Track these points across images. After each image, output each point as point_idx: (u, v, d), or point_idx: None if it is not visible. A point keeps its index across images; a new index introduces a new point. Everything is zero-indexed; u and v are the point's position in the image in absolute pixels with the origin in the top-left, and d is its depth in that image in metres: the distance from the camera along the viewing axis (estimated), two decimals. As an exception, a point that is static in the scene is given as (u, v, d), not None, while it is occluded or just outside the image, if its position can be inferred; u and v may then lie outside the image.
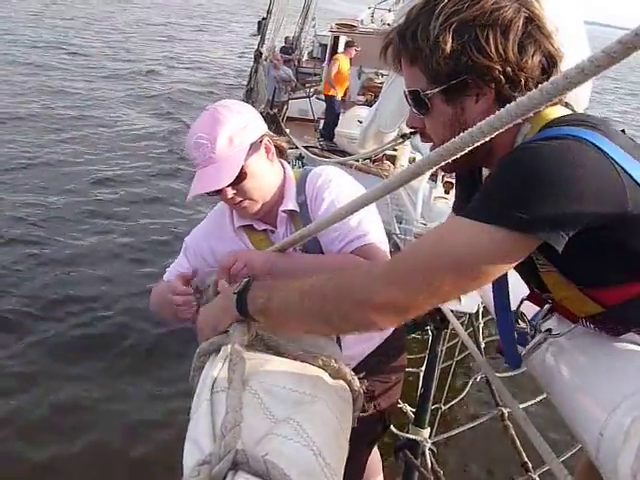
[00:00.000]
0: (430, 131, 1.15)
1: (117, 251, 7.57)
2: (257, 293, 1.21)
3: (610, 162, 0.94)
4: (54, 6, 36.43)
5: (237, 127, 1.56)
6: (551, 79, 0.84)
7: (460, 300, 3.10)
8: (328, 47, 12.56)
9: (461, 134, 0.94)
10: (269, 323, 1.21)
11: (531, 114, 0.86)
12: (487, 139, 0.91)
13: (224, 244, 1.75)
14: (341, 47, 11.98)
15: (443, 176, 3.88)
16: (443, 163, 1.01)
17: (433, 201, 3.71)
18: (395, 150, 6.05)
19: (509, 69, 1.02)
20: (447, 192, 3.97)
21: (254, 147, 1.60)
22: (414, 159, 6.35)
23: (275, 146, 1.71)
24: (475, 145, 0.93)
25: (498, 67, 1.01)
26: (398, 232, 4.01)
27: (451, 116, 1.08)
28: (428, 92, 1.08)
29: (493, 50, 1.01)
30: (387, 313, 1.02)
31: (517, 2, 1.03)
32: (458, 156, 0.95)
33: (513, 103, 0.88)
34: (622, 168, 0.94)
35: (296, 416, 1.00)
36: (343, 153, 7.75)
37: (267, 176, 1.66)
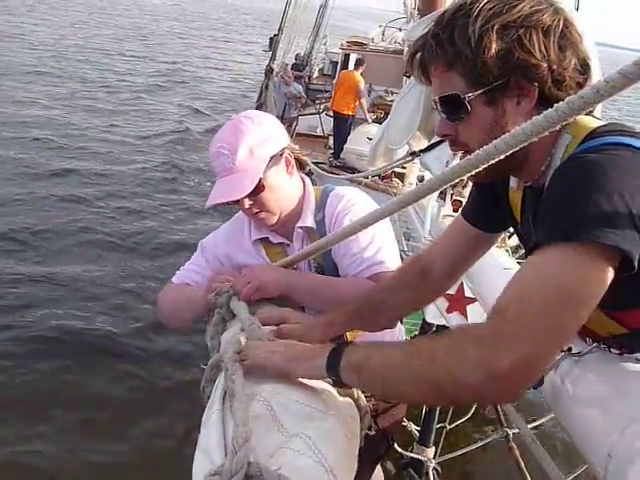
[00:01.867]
0: (466, 137, 1.12)
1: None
2: (355, 347, 1.10)
3: None
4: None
5: (258, 139, 1.57)
6: (567, 99, 0.85)
7: (467, 317, 3.10)
8: (339, 64, 12.65)
9: (493, 142, 0.94)
10: (364, 382, 1.08)
11: (558, 127, 0.87)
12: (516, 149, 0.91)
13: (241, 253, 1.77)
14: (351, 64, 12.08)
15: (452, 194, 3.88)
16: (475, 171, 1.00)
17: (441, 219, 3.70)
18: (404, 168, 6.06)
19: (554, 67, 1.03)
20: (455, 210, 3.97)
21: (274, 159, 1.61)
22: (422, 177, 6.36)
23: (296, 159, 1.71)
24: (503, 155, 0.93)
25: (545, 65, 1.02)
26: (406, 249, 4.01)
27: (492, 119, 1.07)
28: (470, 94, 1.07)
29: (537, 50, 1.02)
30: (513, 374, 0.88)
31: (552, 7, 1.05)
32: (490, 163, 0.95)
33: (529, 122, 0.89)
34: None
35: (309, 432, 0.99)
36: (352, 170, 7.77)
37: (286, 189, 1.67)
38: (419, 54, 1.13)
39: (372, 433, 1.33)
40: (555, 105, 0.86)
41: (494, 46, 1.02)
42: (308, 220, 1.69)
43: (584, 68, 1.07)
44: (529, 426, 1.45)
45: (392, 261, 1.65)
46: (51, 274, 6.94)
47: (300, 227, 1.70)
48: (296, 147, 1.75)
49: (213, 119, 16.14)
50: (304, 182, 1.77)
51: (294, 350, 1.18)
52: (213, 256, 1.80)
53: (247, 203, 1.60)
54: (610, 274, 0.91)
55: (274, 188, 1.62)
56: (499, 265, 2.08)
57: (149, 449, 4.50)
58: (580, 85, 1.05)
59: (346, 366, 1.07)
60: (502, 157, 0.94)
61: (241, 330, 1.36)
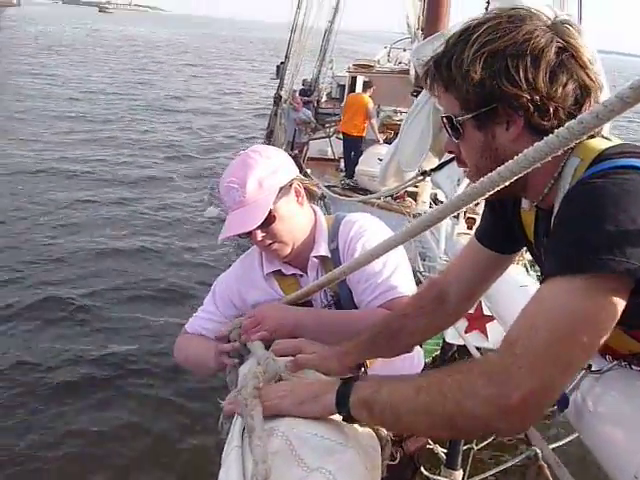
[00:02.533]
0: (464, 156, 1.16)
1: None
2: (363, 383, 1.10)
3: None
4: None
5: (267, 171, 1.60)
6: (567, 124, 0.86)
7: (487, 335, 3.08)
8: (346, 87, 12.75)
9: (498, 169, 0.95)
10: (375, 418, 1.07)
11: (561, 152, 0.88)
12: (514, 179, 0.92)
13: (254, 291, 1.77)
14: (359, 87, 12.17)
15: (465, 212, 3.88)
16: (477, 200, 1.03)
17: (456, 237, 3.70)
18: (416, 187, 6.07)
19: (537, 97, 1.02)
20: (470, 228, 3.96)
21: (284, 190, 1.63)
22: (435, 195, 6.35)
23: (306, 189, 1.72)
24: (508, 182, 0.94)
25: (526, 95, 1.02)
26: (422, 269, 3.99)
27: (482, 142, 1.10)
28: (460, 118, 1.11)
29: (522, 78, 1.02)
30: (523, 408, 0.89)
31: (551, 32, 1.05)
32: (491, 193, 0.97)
33: (530, 149, 0.90)
34: None
35: (328, 465, 0.99)
36: (364, 191, 7.78)
37: (297, 219, 1.68)
38: (427, 74, 1.17)
39: (395, 462, 1.32)
40: (556, 130, 0.87)
41: (478, 74, 1.04)
42: (322, 249, 1.70)
43: (583, 95, 1.05)
44: (552, 446, 1.43)
45: (406, 285, 1.65)
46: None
47: (315, 256, 1.70)
48: (305, 178, 1.77)
49: (225, 148, 16.43)
50: (315, 212, 1.78)
51: (302, 392, 1.18)
52: (225, 299, 1.80)
53: (260, 235, 1.62)
54: (622, 301, 0.92)
55: (285, 218, 1.63)
56: (516, 282, 2.07)
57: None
58: (572, 115, 1.02)
59: (355, 402, 1.08)
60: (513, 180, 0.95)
61: (258, 364, 1.37)
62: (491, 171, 0.97)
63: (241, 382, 1.35)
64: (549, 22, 1.07)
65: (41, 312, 7.02)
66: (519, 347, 0.91)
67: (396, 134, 6.59)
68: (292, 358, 1.36)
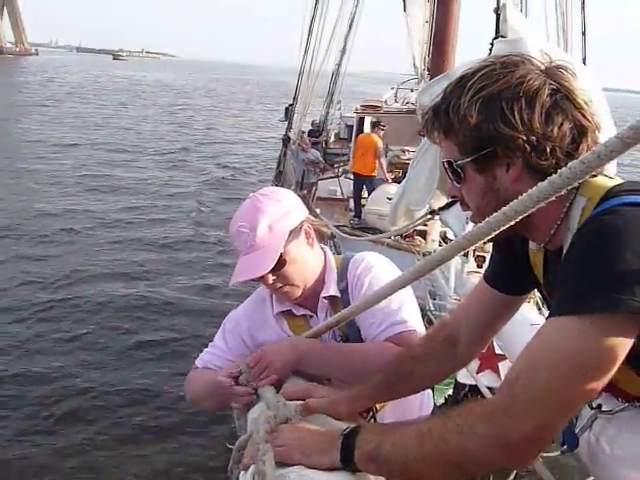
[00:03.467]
0: (467, 199, 1.17)
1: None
2: (366, 436, 1.10)
3: None
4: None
5: (277, 215, 1.60)
6: (570, 164, 0.88)
7: (499, 374, 3.05)
8: (354, 127, 12.91)
9: (494, 214, 0.97)
10: (381, 471, 1.07)
11: (564, 191, 0.89)
12: (519, 218, 0.93)
13: (264, 330, 1.77)
14: (367, 127, 12.31)
15: (474, 250, 3.88)
16: (483, 241, 1.04)
17: (466, 276, 3.70)
18: (425, 225, 6.09)
19: (534, 138, 1.03)
20: (479, 266, 3.96)
21: (294, 233, 1.63)
22: (445, 233, 6.37)
23: (316, 230, 1.73)
24: (513, 222, 0.95)
25: (522, 137, 1.03)
26: (432, 308, 3.98)
27: (483, 185, 1.11)
28: (460, 162, 1.12)
29: (518, 120, 1.03)
30: (524, 448, 0.93)
31: (544, 75, 1.07)
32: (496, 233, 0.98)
33: (535, 189, 0.91)
34: None
35: None
36: (373, 230, 7.81)
37: (308, 261, 1.68)
38: (427, 121, 1.19)
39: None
40: (559, 171, 0.89)
41: (474, 119, 1.06)
42: (331, 289, 1.70)
43: (580, 135, 1.06)
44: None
45: (412, 320, 1.65)
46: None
47: (325, 297, 1.70)
48: (314, 219, 1.78)
49: (235, 190, 16.67)
50: (325, 252, 1.78)
51: (310, 443, 1.17)
52: (235, 336, 1.80)
53: (271, 279, 1.62)
54: (629, 340, 0.92)
55: (296, 261, 1.64)
56: (527, 321, 2.06)
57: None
58: (569, 154, 1.04)
59: (361, 458, 1.08)
60: (518, 220, 0.96)
61: (268, 407, 1.36)
62: (493, 212, 0.99)
63: (251, 426, 1.34)
64: (542, 67, 1.10)
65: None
66: (519, 387, 0.93)
67: (404, 173, 6.66)
68: (302, 402, 1.36)
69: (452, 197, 1.23)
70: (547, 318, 0.99)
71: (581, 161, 0.86)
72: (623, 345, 0.91)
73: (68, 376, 6.57)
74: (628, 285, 0.88)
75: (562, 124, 1.05)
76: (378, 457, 1.06)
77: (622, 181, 1.07)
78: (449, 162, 1.15)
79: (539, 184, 0.91)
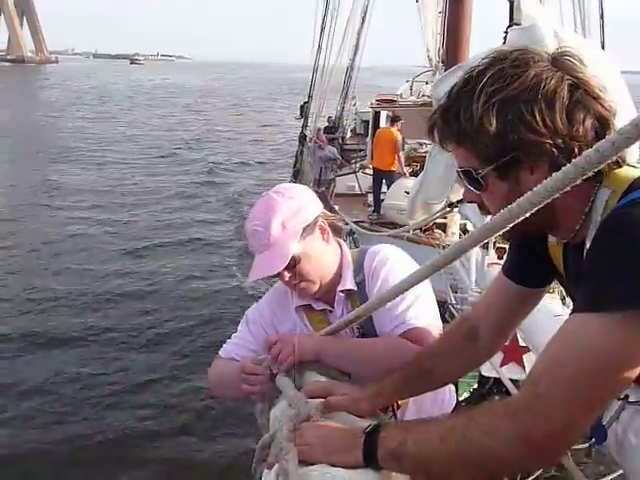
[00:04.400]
0: (489, 205, 1.12)
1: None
2: (388, 434, 1.09)
3: None
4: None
5: (290, 212, 1.60)
6: (584, 152, 0.85)
7: (525, 368, 3.01)
8: (370, 122, 12.87)
9: (509, 206, 0.94)
10: (404, 469, 1.08)
11: (579, 181, 0.85)
12: (539, 207, 0.90)
13: (285, 322, 1.79)
14: (382, 121, 12.26)
15: (495, 242, 3.84)
16: (499, 232, 1.00)
17: (487, 268, 3.66)
18: (445, 218, 6.05)
19: (560, 141, 0.99)
20: (500, 258, 3.92)
21: (308, 229, 1.63)
22: (465, 225, 6.32)
23: (330, 225, 1.72)
24: (534, 210, 0.91)
25: (548, 141, 0.99)
26: (454, 302, 3.95)
27: (507, 191, 1.05)
28: (480, 171, 1.07)
29: (540, 124, 0.99)
30: (548, 446, 0.91)
31: (559, 70, 1.02)
32: (515, 223, 0.94)
33: (549, 179, 0.88)
34: None
35: None
36: (392, 225, 7.77)
37: (324, 257, 1.68)
38: (434, 129, 1.14)
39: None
40: (573, 160, 0.86)
41: (493, 127, 1.00)
42: (348, 283, 1.71)
43: (603, 127, 1.02)
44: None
45: (426, 315, 1.64)
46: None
47: (341, 290, 1.71)
48: (330, 213, 1.77)
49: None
50: (341, 247, 1.78)
51: (333, 442, 1.16)
52: (258, 326, 1.81)
53: (287, 276, 1.63)
54: None
55: (311, 257, 1.64)
56: (550, 312, 2.04)
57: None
58: None
59: (384, 457, 1.08)
60: (529, 214, 0.93)
61: (289, 405, 1.36)
62: (519, 216, 0.95)
63: (273, 425, 1.34)
64: (550, 59, 1.05)
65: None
66: (543, 385, 0.92)
67: (422, 167, 6.62)
68: (323, 400, 1.36)
69: (470, 202, 1.18)
70: (571, 314, 0.97)
71: (596, 149, 0.84)
72: None
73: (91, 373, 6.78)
74: None
75: (584, 120, 1.01)
76: (401, 455, 1.05)
77: None
78: (467, 171, 1.10)
79: (554, 174, 0.88)
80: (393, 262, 1.70)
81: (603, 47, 7.99)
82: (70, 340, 7.62)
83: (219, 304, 8.97)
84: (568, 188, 0.88)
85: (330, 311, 1.75)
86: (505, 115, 1.00)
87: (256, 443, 1.35)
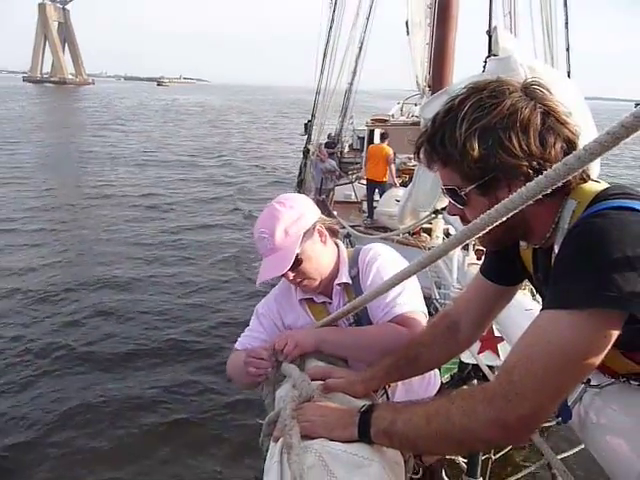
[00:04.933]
0: (470, 218, 1.11)
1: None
2: (380, 414, 1.11)
3: None
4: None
5: (291, 220, 1.62)
6: (554, 166, 0.85)
7: (499, 356, 3.01)
8: (365, 139, 12.87)
9: (487, 211, 0.95)
10: (393, 444, 1.10)
11: (550, 190, 0.86)
12: (519, 209, 0.91)
13: (290, 313, 1.80)
14: (376, 138, 12.27)
15: (474, 244, 3.85)
16: (477, 235, 1.01)
17: (467, 267, 3.67)
18: (430, 223, 6.05)
19: (535, 163, 1.00)
20: (479, 258, 3.93)
21: (308, 234, 1.65)
22: (448, 230, 6.33)
23: (327, 229, 1.75)
24: (509, 215, 0.92)
25: (525, 163, 1.00)
26: (438, 297, 3.96)
27: (488, 206, 1.03)
28: (464, 189, 1.08)
29: (517, 148, 1.00)
30: (520, 428, 0.93)
31: (532, 100, 1.03)
32: (491, 228, 0.95)
33: (523, 188, 0.89)
34: None
35: (357, 478, 0.99)
36: (384, 229, 7.79)
37: (322, 257, 1.70)
38: (420, 152, 1.14)
39: (417, 476, 1.30)
40: (544, 172, 0.87)
41: (476, 151, 1.01)
42: (344, 277, 1.72)
43: (570, 149, 1.02)
44: (561, 456, 1.39)
45: (412, 303, 1.65)
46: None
47: (338, 284, 1.73)
48: (326, 218, 1.78)
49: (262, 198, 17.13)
50: (338, 246, 1.80)
51: (332, 419, 1.18)
52: (267, 319, 1.82)
53: (291, 275, 1.65)
54: (616, 332, 0.91)
55: (311, 258, 1.66)
56: (522, 306, 2.03)
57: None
58: None
59: (376, 433, 1.10)
60: (509, 217, 0.94)
61: (293, 386, 1.37)
62: (497, 228, 0.97)
63: (278, 404, 1.35)
64: (522, 88, 1.05)
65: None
66: (516, 375, 0.93)
67: (411, 178, 6.64)
68: (323, 382, 1.37)
69: (453, 215, 1.18)
70: (541, 309, 0.97)
71: (564, 163, 0.85)
72: (610, 336, 0.90)
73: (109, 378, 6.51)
74: (614, 282, 0.87)
75: (555, 143, 1.02)
76: (391, 433, 1.07)
77: (608, 185, 1.05)
78: (452, 189, 1.11)
79: (527, 184, 0.89)
80: (384, 257, 1.72)
81: (569, 76, 7.99)
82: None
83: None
84: (540, 196, 0.89)
85: (330, 303, 1.76)
86: (486, 141, 1.01)
87: (263, 420, 1.35)
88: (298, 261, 1.63)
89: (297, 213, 1.65)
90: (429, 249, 5.66)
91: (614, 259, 0.88)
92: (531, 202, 0.90)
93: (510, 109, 1.01)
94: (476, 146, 1.01)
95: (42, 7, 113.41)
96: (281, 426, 1.18)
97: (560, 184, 0.87)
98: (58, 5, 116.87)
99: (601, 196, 1.00)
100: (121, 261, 10.64)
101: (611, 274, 0.87)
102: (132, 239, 12.18)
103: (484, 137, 1.01)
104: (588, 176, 1.05)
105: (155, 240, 12.18)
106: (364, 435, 1.11)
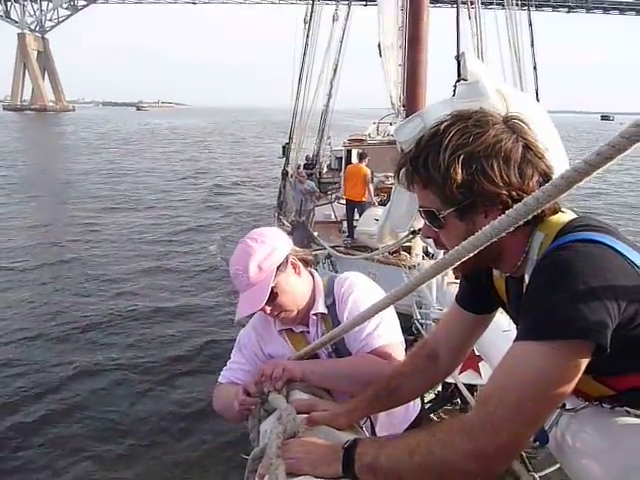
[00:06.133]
0: (445, 242, 1.14)
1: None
2: (364, 449, 1.11)
3: (628, 262, 0.95)
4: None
5: (263, 255, 1.63)
6: (523, 201, 0.88)
7: (480, 374, 3.04)
8: (343, 159, 12.96)
9: (468, 239, 0.97)
10: (378, 479, 1.08)
11: (522, 222, 0.89)
12: (491, 242, 0.93)
13: (271, 343, 1.80)
14: (354, 158, 12.36)
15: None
16: (456, 264, 1.02)
17: (446, 286, 3.71)
18: (410, 242, 6.11)
19: (514, 193, 1.03)
20: (457, 278, 3.98)
21: (281, 267, 1.66)
22: (426, 248, 6.38)
23: (301, 259, 1.76)
24: (482, 247, 0.94)
25: (504, 192, 1.03)
26: (419, 317, 3.98)
27: (464, 230, 1.07)
28: (443, 212, 1.09)
29: (498, 177, 1.02)
30: (499, 457, 0.95)
31: (514, 133, 1.06)
32: (468, 257, 0.97)
33: (500, 218, 0.91)
34: (636, 265, 0.96)
35: None
36: (365, 248, 7.81)
37: (297, 288, 1.71)
38: (402, 171, 1.15)
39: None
40: (515, 205, 0.90)
41: (459, 176, 1.03)
42: (320, 306, 1.74)
43: (545, 182, 1.03)
44: (539, 474, 1.42)
45: (388, 334, 1.67)
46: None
47: (314, 314, 1.74)
48: (298, 249, 1.79)
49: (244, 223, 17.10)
50: (313, 276, 1.81)
51: (316, 456, 1.17)
52: (248, 349, 1.83)
53: (268, 309, 1.67)
54: (585, 360, 0.93)
55: (286, 291, 1.67)
56: (499, 327, 2.06)
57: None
58: None
59: (360, 469, 1.09)
60: (481, 248, 0.96)
61: (279, 418, 1.36)
62: (470, 253, 0.98)
63: (263, 439, 1.34)
64: (503, 120, 1.08)
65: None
66: (492, 405, 0.94)
67: (389, 196, 6.70)
68: (307, 415, 1.36)
69: (427, 237, 1.19)
70: (514, 340, 0.99)
71: (533, 197, 0.87)
72: (580, 365, 0.93)
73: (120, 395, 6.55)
74: (580, 314, 0.90)
75: (533, 175, 1.05)
76: (375, 468, 1.07)
77: (575, 216, 1.08)
78: (430, 211, 1.12)
79: (499, 217, 0.92)
80: (359, 289, 1.74)
81: (537, 93, 8.20)
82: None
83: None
84: (511, 229, 0.92)
85: (308, 332, 1.77)
86: (469, 167, 1.03)
87: (248, 455, 1.34)
88: (274, 295, 1.64)
89: (269, 248, 1.66)
90: (409, 267, 5.72)
91: (580, 290, 0.91)
92: (503, 234, 0.93)
93: (494, 139, 1.04)
94: (459, 171, 1.03)
95: (22, 37, 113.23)
96: (267, 463, 1.17)
97: (530, 217, 0.89)
98: (37, 34, 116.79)
99: (566, 228, 1.03)
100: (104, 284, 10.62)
101: (577, 305, 0.90)
102: (119, 263, 12.15)
103: (468, 163, 1.03)
104: (559, 207, 1.08)
105: (141, 266, 12.09)
106: (348, 471, 1.10)
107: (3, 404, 6.13)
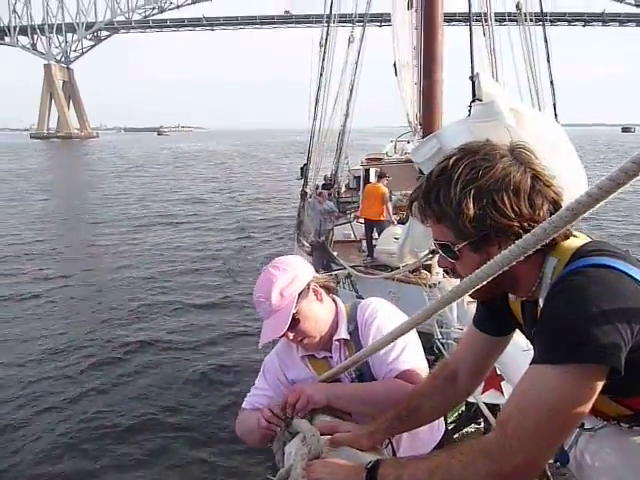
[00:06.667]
0: (461, 272, 1.16)
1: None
2: (386, 470, 1.13)
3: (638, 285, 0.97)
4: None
5: (285, 283, 1.67)
6: (531, 232, 0.92)
7: (503, 393, 3.02)
8: (361, 179, 13.01)
9: (481, 267, 1.00)
10: None
11: (539, 246, 0.91)
12: (505, 269, 0.96)
13: (292, 369, 1.82)
14: (372, 177, 12.40)
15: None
16: (472, 291, 1.06)
17: (467, 305, 3.71)
18: (430, 260, 6.10)
19: (525, 224, 1.05)
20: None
21: (303, 294, 1.69)
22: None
23: (322, 286, 1.78)
24: (494, 275, 0.97)
25: (516, 224, 1.05)
26: (440, 337, 3.97)
27: (479, 261, 1.07)
28: (457, 245, 1.12)
29: (509, 210, 1.04)
30: (519, 477, 0.98)
31: (522, 165, 1.08)
32: (484, 284, 1.00)
33: (511, 248, 0.95)
34: None
35: None
36: (385, 267, 7.81)
37: (319, 315, 1.73)
38: (414, 205, 1.18)
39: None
40: (524, 236, 0.94)
41: (471, 211, 1.05)
42: (343, 332, 1.76)
43: (555, 209, 1.07)
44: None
45: (414, 359, 1.69)
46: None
47: (337, 340, 1.76)
48: (321, 277, 1.82)
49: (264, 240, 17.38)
50: (335, 302, 1.83)
51: (339, 475, 1.21)
52: (271, 374, 1.85)
53: (290, 335, 1.70)
54: (600, 383, 0.96)
55: (308, 317, 1.70)
56: (519, 347, 2.06)
57: None
58: None
59: None
60: (496, 275, 0.99)
61: (302, 440, 1.39)
62: (484, 280, 1.02)
63: (288, 461, 1.37)
64: (510, 151, 1.11)
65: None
66: (510, 428, 0.97)
67: (407, 215, 6.71)
68: (330, 437, 1.40)
69: (443, 268, 1.23)
70: (530, 363, 1.02)
71: (542, 227, 0.91)
72: (595, 387, 0.96)
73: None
74: (594, 338, 0.92)
75: (542, 204, 1.07)
76: None
77: (588, 240, 1.11)
78: (446, 245, 1.14)
79: (510, 247, 0.96)
80: (383, 314, 1.75)
81: (555, 108, 8.16)
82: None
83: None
84: (522, 257, 0.95)
85: (331, 357, 1.79)
86: (480, 201, 1.05)
87: (273, 476, 1.37)
88: (295, 321, 1.67)
89: (291, 275, 1.69)
90: (429, 286, 5.71)
91: (592, 314, 0.93)
92: (514, 263, 0.96)
93: (502, 172, 1.06)
94: (471, 206, 1.05)
95: (48, 67, 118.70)
96: None
97: (539, 246, 0.93)
98: (62, 65, 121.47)
99: (579, 253, 1.06)
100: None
101: (591, 329, 0.93)
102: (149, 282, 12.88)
103: (479, 198, 1.05)
104: (571, 232, 1.11)
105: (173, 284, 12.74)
106: None
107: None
